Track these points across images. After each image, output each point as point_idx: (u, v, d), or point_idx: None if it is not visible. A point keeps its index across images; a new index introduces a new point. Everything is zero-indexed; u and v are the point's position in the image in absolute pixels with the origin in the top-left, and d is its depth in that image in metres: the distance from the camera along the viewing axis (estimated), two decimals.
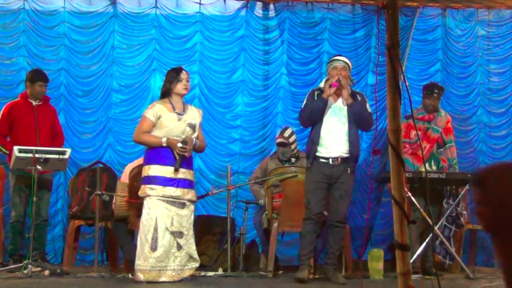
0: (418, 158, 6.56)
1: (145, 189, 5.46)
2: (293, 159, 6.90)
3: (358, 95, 5.96)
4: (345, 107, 5.84)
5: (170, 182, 5.47)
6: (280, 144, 6.89)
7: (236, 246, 6.52)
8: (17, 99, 6.69)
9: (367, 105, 5.96)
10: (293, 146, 6.90)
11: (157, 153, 5.52)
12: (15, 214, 6.47)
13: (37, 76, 6.63)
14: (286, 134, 6.90)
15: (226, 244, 6.34)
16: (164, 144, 5.49)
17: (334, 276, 5.75)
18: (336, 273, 5.80)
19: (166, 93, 5.70)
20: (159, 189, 5.44)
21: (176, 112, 5.61)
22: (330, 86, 5.77)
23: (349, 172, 5.85)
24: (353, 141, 5.84)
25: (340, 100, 5.88)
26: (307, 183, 5.91)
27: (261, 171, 6.98)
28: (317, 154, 5.84)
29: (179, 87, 5.66)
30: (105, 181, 6.53)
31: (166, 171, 5.48)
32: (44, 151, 5.90)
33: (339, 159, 5.81)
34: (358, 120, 5.84)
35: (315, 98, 5.89)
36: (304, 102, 5.99)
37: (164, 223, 5.42)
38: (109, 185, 6.50)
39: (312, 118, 5.86)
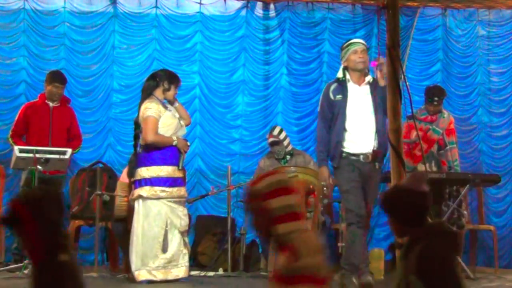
0: (415, 158, 6.55)
1: (158, 191, 5.44)
2: (288, 157, 6.87)
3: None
4: (369, 96, 5.23)
5: (177, 182, 5.51)
6: (273, 143, 6.87)
7: (236, 246, 6.52)
8: (35, 100, 6.74)
9: None
10: (285, 143, 6.85)
11: (164, 153, 5.51)
12: None
13: (53, 78, 6.69)
14: (275, 132, 6.87)
15: (226, 244, 6.35)
16: (174, 143, 5.50)
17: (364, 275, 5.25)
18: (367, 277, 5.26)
19: (153, 89, 5.62)
20: (170, 191, 5.45)
21: (168, 110, 5.63)
22: (377, 65, 5.06)
23: (377, 168, 5.25)
24: (382, 133, 5.11)
25: (363, 87, 5.29)
26: (341, 183, 5.28)
27: (260, 172, 6.98)
28: (344, 150, 5.22)
29: (173, 94, 5.66)
30: (105, 181, 6.53)
31: (173, 170, 5.50)
32: (45, 151, 5.91)
33: (369, 155, 5.18)
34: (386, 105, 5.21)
35: (331, 96, 5.30)
36: (319, 106, 5.46)
37: (174, 224, 5.45)
38: (109, 185, 6.50)
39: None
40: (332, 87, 5.34)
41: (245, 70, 8.11)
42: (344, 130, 5.21)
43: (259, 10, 8.20)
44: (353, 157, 5.18)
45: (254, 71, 8.14)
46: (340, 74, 5.38)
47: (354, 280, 5.09)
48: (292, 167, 6.51)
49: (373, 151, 5.15)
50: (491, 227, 7.19)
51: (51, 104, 6.64)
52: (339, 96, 5.27)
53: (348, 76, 5.32)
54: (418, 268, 2.50)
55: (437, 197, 6.50)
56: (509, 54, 8.34)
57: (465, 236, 7.09)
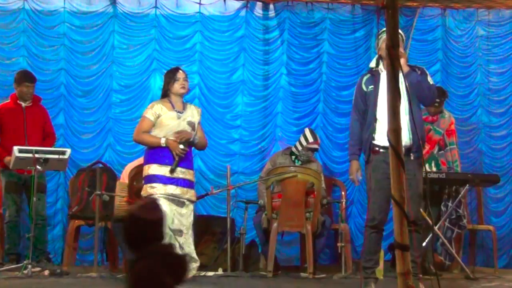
0: None
1: (147, 188, 5.49)
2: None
3: (417, 69, 5.13)
4: (403, 85, 4.37)
5: (170, 181, 5.50)
6: (314, 150, 6.94)
7: (236, 246, 6.52)
8: (7, 101, 6.72)
9: (429, 78, 5.12)
10: None
11: (157, 152, 5.56)
12: (8, 214, 6.52)
13: (23, 77, 6.68)
14: (319, 140, 7.00)
15: (226, 244, 6.35)
16: (163, 145, 5.51)
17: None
18: (418, 283, 4.87)
19: (165, 94, 5.77)
20: (160, 187, 5.46)
21: (176, 111, 5.65)
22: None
23: (412, 159, 4.83)
24: (418, 123, 4.80)
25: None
26: (368, 181, 5.03)
27: (272, 165, 6.94)
28: (375, 142, 4.95)
29: (176, 87, 5.69)
30: (105, 181, 6.53)
31: (165, 170, 5.50)
32: (44, 151, 5.91)
33: (403, 149, 4.77)
34: (419, 91, 4.93)
35: (364, 87, 5.08)
36: (354, 98, 5.22)
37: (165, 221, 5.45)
38: (109, 185, 6.50)
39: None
40: (365, 78, 5.14)
41: (245, 70, 8.11)
42: (375, 120, 4.95)
43: (258, 10, 8.20)
44: (383, 150, 4.82)
45: (253, 71, 8.15)
46: (372, 64, 5.18)
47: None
48: (291, 167, 6.53)
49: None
50: (491, 227, 7.19)
51: (23, 104, 6.62)
52: (371, 87, 5.05)
53: (381, 66, 5.07)
54: None
55: (436, 198, 6.51)
56: (509, 54, 8.35)
57: (464, 236, 7.10)
